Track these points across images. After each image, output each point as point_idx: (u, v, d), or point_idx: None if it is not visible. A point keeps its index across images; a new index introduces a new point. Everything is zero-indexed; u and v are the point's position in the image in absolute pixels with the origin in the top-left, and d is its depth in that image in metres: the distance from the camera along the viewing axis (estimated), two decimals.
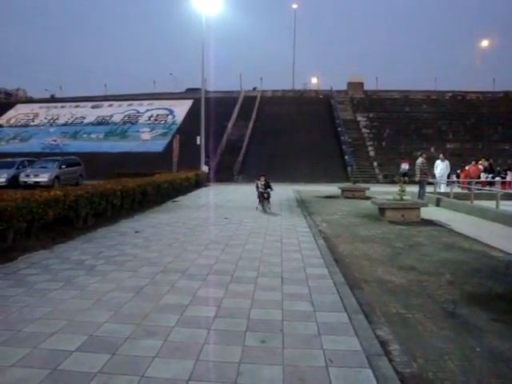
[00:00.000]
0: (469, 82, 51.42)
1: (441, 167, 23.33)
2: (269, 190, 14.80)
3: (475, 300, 5.89)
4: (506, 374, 3.92)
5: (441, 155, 23.76)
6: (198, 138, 31.33)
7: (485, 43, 65.98)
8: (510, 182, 24.62)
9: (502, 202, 14.73)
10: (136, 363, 3.90)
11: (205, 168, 30.73)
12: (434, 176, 22.92)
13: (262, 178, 15.02)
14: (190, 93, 47.18)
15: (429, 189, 19.32)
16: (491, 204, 14.58)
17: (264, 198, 14.76)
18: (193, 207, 16.12)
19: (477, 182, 23.04)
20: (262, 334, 4.55)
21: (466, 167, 27.60)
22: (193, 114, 39.98)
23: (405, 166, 32.24)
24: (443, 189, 22.08)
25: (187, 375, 3.73)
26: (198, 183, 26.04)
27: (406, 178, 27.25)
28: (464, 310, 5.49)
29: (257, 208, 15.10)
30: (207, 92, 40.25)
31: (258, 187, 15.08)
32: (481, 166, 27.42)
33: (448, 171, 24.20)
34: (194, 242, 9.50)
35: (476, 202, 16.05)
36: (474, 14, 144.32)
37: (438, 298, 5.98)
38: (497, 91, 50.48)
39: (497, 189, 20.37)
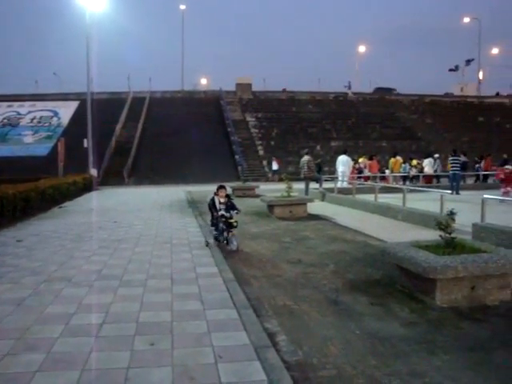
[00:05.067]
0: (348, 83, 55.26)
1: (343, 164, 23.69)
2: (235, 212, 8.91)
3: (356, 287, 6.26)
4: (381, 352, 4.23)
5: (345, 154, 24.24)
6: (85, 140, 30.16)
7: (362, 48, 70.52)
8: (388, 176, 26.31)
9: (383, 195, 15.76)
10: (15, 380, 3.67)
11: (93, 171, 29.68)
12: (319, 172, 23.72)
13: (223, 192, 9.10)
14: (76, 94, 45.12)
15: (315, 185, 20.19)
16: (372, 197, 15.50)
17: (232, 226, 8.77)
18: (81, 212, 15.52)
19: (358, 177, 24.37)
20: (151, 337, 4.50)
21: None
22: (79, 115, 38.21)
23: (274, 166, 33.72)
24: (345, 185, 22.64)
25: None
26: (87, 187, 25.07)
27: (277, 176, 30.66)
28: (346, 297, 5.82)
29: (207, 245, 9.03)
30: (94, 93, 38.83)
31: (214, 208, 9.05)
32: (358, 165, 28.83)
33: (350, 168, 25.02)
34: (82, 248, 9.14)
35: (359, 196, 17.02)
36: (356, 21, 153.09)
37: (323, 287, 6.28)
38: (374, 93, 54.02)
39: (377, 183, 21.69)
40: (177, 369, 3.85)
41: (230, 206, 8.97)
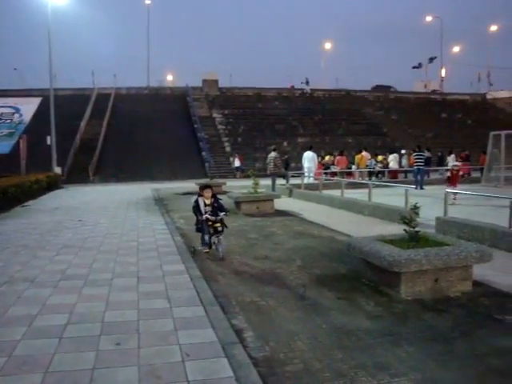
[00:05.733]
0: (315, 80, 55.67)
1: (309, 160, 23.71)
2: (222, 214, 8.01)
3: (323, 282, 6.32)
4: (347, 345, 4.28)
5: (311, 150, 24.26)
6: (49, 137, 29.57)
7: (328, 45, 71.24)
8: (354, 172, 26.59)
9: (349, 191, 15.93)
10: None
11: (57, 169, 29.14)
12: (286, 168, 23.83)
13: (208, 193, 8.14)
14: (38, 90, 44.00)
15: (282, 181, 20.29)
16: (338, 193, 15.63)
17: (216, 231, 7.89)
18: (44, 211, 15.17)
19: (325, 173, 24.58)
20: (117, 336, 4.45)
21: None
22: (42, 112, 37.32)
23: (237, 163, 33.83)
24: (311, 180, 22.73)
25: None
26: (51, 185, 24.53)
27: (239, 173, 32.28)
28: (313, 292, 5.87)
29: (194, 252, 8.20)
30: (57, 89, 38.02)
31: (198, 211, 8.04)
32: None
33: (316, 164, 24.98)
34: (46, 247, 8.95)
35: (325, 192, 17.16)
36: (320, 18, 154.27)
37: (290, 283, 6.32)
38: (339, 89, 54.64)
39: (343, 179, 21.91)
40: (143, 368, 3.81)
41: (217, 208, 8.04)
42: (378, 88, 60.04)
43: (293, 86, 54.96)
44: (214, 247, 7.99)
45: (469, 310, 5.20)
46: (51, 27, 30.12)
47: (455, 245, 5.97)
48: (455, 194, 13.21)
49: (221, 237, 7.86)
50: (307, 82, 53.36)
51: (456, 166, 18.26)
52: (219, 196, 8.63)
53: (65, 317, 5.01)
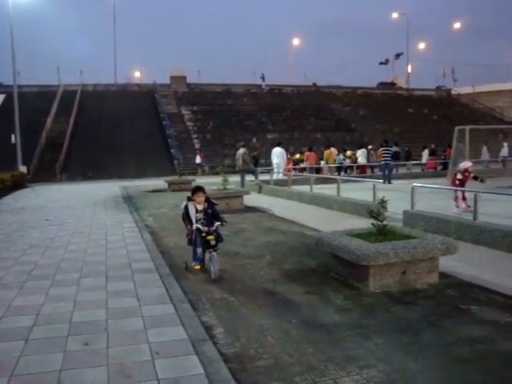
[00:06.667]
0: (284, 76, 56.05)
1: (278, 156, 23.76)
2: (217, 224, 6.60)
3: (292, 277, 6.36)
4: (317, 339, 4.31)
5: (280, 146, 24.35)
6: (13, 136, 28.91)
7: (296, 41, 71.66)
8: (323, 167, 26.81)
9: (318, 186, 16.05)
10: None
11: (22, 168, 28.52)
12: (256, 164, 23.83)
13: (201, 197, 6.71)
14: (2, 87, 42.86)
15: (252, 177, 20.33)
16: (308, 188, 15.72)
17: (209, 245, 6.44)
18: (9, 211, 14.81)
19: (294, 169, 24.71)
20: (85, 337, 4.39)
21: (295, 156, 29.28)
22: (6, 109, 36.35)
23: (198, 159, 33.84)
24: (281, 176, 22.80)
25: None
26: (17, 185, 23.99)
27: (205, 169, 32.86)
28: (282, 287, 5.90)
29: (186, 268, 6.87)
30: (22, 86, 37.09)
31: (188, 219, 6.67)
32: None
33: (285, 160, 25.05)
34: (11, 248, 8.75)
35: (295, 187, 17.23)
36: (290, 15, 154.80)
37: (259, 279, 6.34)
38: (308, 85, 54.89)
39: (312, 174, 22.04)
40: (112, 368, 3.77)
41: (211, 215, 6.66)
42: (382, 85, 61.79)
43: (315, 84, 55.50)
44: (206, 263, 6.61)
45: (436, 301, 5.31)
46: (13, 22, 29.42)
47: (422, 237, 6.08)
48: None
49: (214, 253, 6.42)
50: (263, 78, 53.42)
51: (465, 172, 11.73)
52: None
53: (31, 318, 4.91)
